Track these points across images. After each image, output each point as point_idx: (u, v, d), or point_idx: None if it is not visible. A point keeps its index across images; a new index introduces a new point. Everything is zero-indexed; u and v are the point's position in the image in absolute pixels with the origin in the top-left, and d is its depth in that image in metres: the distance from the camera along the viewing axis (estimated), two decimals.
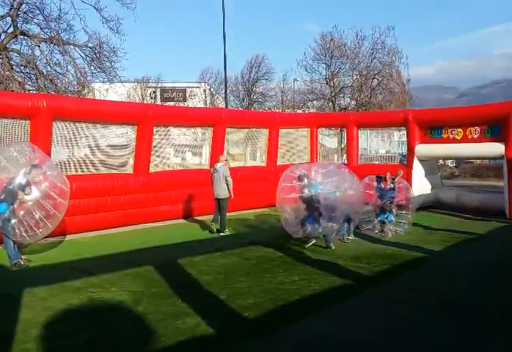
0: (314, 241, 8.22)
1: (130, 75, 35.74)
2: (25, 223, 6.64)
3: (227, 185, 9.48)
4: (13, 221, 6.56)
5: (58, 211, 6.98)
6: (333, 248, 8.00)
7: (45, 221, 6.76)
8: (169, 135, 11.64)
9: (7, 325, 4.46)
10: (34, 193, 6.70)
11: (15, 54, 16.47)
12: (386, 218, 9.37)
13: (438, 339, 4.17)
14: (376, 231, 9.38)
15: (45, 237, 8.87)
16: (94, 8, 16.66)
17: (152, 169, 11.05)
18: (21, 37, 16.34)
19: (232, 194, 9.60)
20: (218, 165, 9.60)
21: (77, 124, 9.76)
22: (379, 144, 15.76)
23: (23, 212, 6.65)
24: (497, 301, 5.22)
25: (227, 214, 9.92)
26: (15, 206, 6.57)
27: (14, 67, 16.32)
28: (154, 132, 11.03)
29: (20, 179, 6.58)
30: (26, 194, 6.60)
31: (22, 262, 6.81)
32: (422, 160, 13.18)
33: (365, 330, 4.37)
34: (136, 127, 10.68)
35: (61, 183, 7.12)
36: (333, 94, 28.13)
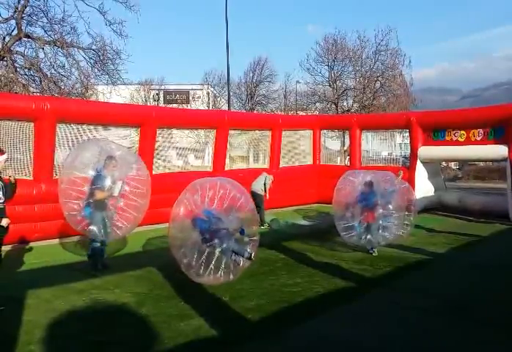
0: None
1: (134, 78, 35.81)
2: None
3: (265, 185, 10.92)
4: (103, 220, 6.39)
5: (139, 206, 6.61)
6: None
7: (130, 213, 6.48)
8: (172, 137, 11.67)
9: (11, 326, 4.47)
10: (113, 186, 6.27)
11: (19, 57, 16.54)
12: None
13: (441, 341, 4.16)
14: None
15: (49, 239, 8.94)
16: (98, 11, 16.73)
17: (155, 171, 11.07)
18: (25, 39, 16.41)
19: (268, 195, 10.94)
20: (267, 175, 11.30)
21: (81, 126, 9.79)
22: (382, 146, 15.73)
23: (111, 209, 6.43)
24: (501, 303, 5.20)
25: None
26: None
27: (18, 69, 16.38)
28: (157, 134, 11.06)
29: (98, 176, 6.20)
30: (105, 191, 6.21)
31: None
32: (425, 163, 13.16)
33: (369, 332, 4.36)
34: (139, 129, 10.72)
35: (140, 176, 6.66)
36: (336, 96, 28.15)
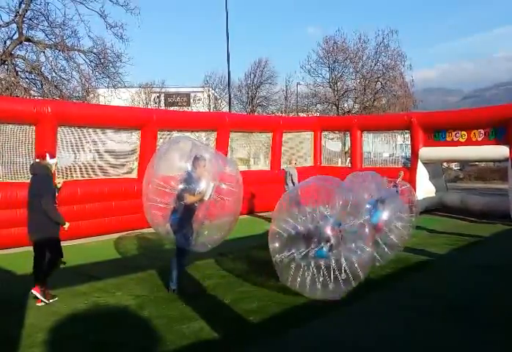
0: None
1: (135, 81, 35.93)
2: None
3: (293, 183, 10.95)
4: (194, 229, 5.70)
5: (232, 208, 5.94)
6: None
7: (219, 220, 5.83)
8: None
9: (13, 329, 4.49)
10: (206, 188, 5.51)
11: (21, 60, 16.61)
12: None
13: (442, 342, 4.16)
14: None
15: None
16: (99, 14, 16.81)
17: None
18: (26, 43, 16.50)
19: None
20: (288, 167, 11.49)
21: (82, 129, 9.82)
22: (383, 147, 15.73)
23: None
24: (502, 304, 5.20)
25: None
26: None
27: (19, 73, 16.46)
28: (158, 137, 11.08)
29: (187, 178, 5.53)
30: (196, 194, 5.49)
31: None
32: (426, 164, 13.15)
33: (369, 333, 4.37)
34: (140, 131, 10.74)
35: (232, 175, 5.94)
36: (336, 97, 28.17)
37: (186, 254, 5.86)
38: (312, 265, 5.00)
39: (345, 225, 5.10)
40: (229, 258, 7.63)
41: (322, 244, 4.99)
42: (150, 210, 5.81)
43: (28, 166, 8.87)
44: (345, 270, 4.90)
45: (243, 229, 10.61)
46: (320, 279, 4.93)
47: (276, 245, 5.29)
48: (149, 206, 5.76)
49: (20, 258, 7.82)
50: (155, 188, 5.61)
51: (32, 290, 5.32)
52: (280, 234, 5.28)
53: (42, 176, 5.48)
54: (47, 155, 5.68)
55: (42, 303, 5.27)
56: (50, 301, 5.34)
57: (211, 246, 5.93)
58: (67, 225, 5.50)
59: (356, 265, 4.94)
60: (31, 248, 8.20)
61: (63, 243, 8.45)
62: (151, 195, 5.68)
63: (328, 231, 5.05)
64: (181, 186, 5.45)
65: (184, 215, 5.55)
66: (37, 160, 5.77)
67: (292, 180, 11.07)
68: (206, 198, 5.51)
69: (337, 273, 4.90)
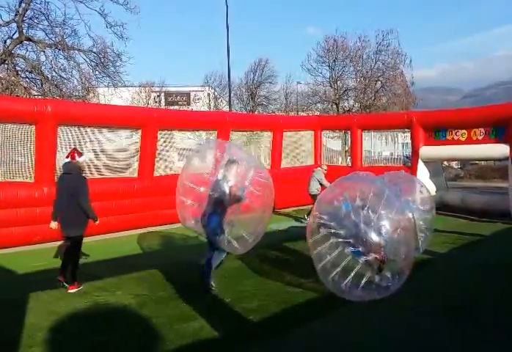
0: None
1: (135, 80, 35.88)
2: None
3: (320, 185, 11.34)
4: (227, 230, 5.76)
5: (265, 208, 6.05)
6: None
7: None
8: (173, 139, 11.68)
9: (13, 329, 4.49)
10: (239, 190, 5.72)
11: (21, 60, 16.61)
12: None
13: (442, 342, 4.16)
14: None
15: (50, 242, 8.95)
16: (99, 13, 16.80)
17: (156, 173, 11.09)
18: (26, 42, 16.49)
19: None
20: (316, 169, 11.71)
21: (82, 128, 9.81)
22: (383, 146, 15.71)
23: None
24: (502, 303, 5.19)
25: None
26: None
27: (19, 72, 16.46)
28: (158, 136, 11.07)
29: (224, 182, 5.67)
30: (231, 197, 5.68)
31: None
32: (426, 162, 13.13)
33: (369, 333, 4.36)
34: (140, 131, 10.73)
35: (263, 178, 6.01)
36: (337, 96, 28.15)
37: (222, 255, 5.95)
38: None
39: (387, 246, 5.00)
40: (229, 257, 7.61)
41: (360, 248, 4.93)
42: (181, 208, 6.09)
43: (30, 165, 8.98)
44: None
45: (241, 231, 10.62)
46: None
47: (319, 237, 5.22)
48: (181, 203, 6.03)
49: (20, 257, 7.84)
50: (187, 187, 5.93)
51: (69, 290, 5.75)
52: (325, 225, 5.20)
53: (76, 175, 5.88)
54: (75, 154, 6.00)
55: (75, 290, 5.76)
56: (75, 290, 5.77)
57: (251, 244, 5.98)
58: (97, 221, 5.98)
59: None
60: (31, 248, 8.24)
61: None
62: (182, 194, 6.00)
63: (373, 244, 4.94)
64: (217, 190, 5.62)
65: (221, 216, 5.69)
66: (67, 160, 6.05)
67: (320, 184, 11.43)
68: (239, 200, 5.71)
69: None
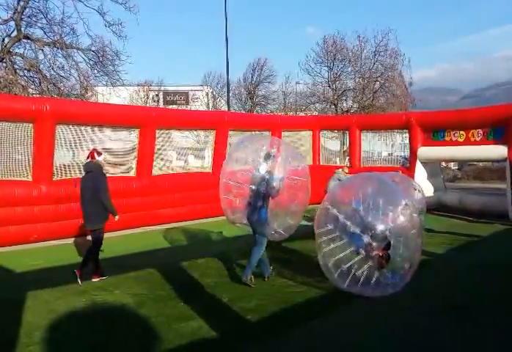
0: None
1: (133, 79, 35.81)
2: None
3: None
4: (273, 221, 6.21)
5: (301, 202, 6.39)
6: None
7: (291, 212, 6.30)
8: (172, 138, 11.67)
9: (11, 328, 4.47)
10: (278, 182, 6.02)
11: (19, 58, 16.55)
12: None
13: (441, 342, 4.16)
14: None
15: (48, 241, 8.93)
16: (98, 12, 16.75)
17: (154, 172, 11.08)
18: (25, 40, 16.42)
19: None
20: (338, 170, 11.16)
21: (80, 127, 9.79)
22: (382, 147, 15.74)
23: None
24: (501, 304, 5.20)
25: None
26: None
27: (17, 70, 16.38)
28: (157, 135, 11.06)
29: (265, 176, 5.96)
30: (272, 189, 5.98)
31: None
32: (424, 163, 13.16)
33: (369, 333, 4.36)
34: (138, 130, 10.72)
35: (300, 174, 6.37)
36: (335, 97, 28.14)
37: (261, 250, 6.11)
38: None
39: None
40: (228, 257, 7.62)
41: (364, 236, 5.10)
42: (224, 203, 6.44)
43: (28, 164, 8.96)
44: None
45: (244, 228, 10.62)
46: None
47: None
48: (223, 198, 6.40)
49: (18, 256, 7.82)
50: (227, 184, 6.28)
51: (93, 279, 6.18)
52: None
53: (97, 173, 6.28)
54: (95, 154, 6.41)
55: (97, 279, 6.19)
56: (100, 279, 6.22)
57: (287, 234, 6.44)
58: (117, 217, 6.32)
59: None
60: (29, 247, 8.23)
61: (61, 242, 8.50)
62: (224, 190, 6.34)
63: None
64: (259, 184, 5.94)
65: (267, 208, 6.02)
66: (89, 159, 6.47)
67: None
68: (278, 191, 6.01)
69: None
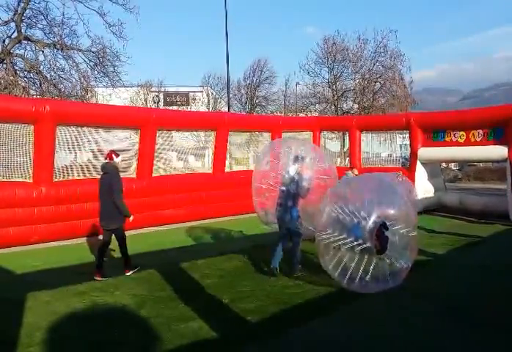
0: None
1: (134, 80, 35.85)
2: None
3: None
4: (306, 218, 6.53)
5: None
6: None
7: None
8: (172, 139, 11.68)
9: (11, 329, 4.47)
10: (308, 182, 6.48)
11: (19, 59, 16.58)
12: None
13: (441, 342, 4.16)
14: None
15: (48, 242, 8.94)
16: (98, 13, 16.78)
17: (155, 173, 11.09)
18: (25, 42, 16.46)
19: None
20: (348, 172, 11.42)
21: (80, 128, 9.80)
22: (382, 148, 15.73)
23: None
24: (501, 304, 5.19)
25: (232, 218, 10.03)
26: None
27: (18, 72, 16.42)
28: (157, 136, 11.07)
29: (295, 177, 6.42)
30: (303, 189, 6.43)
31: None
32: (424, 164, 13.15)
33: (368, 333, 4.36)
34: (139, 131, 10.73)
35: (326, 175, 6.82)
36: (335, 97, 28.15)
37: (299, 241, 6.52)
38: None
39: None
40: (228, 257, 7.62)
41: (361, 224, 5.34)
42: (257, 204, 7.07)
43: (28, 165, 8.96)
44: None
45: (242, 229, 10.63)
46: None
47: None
48: (255, 200, 7.03)
49: (18, 257, 7.82)
50: (258, 185, 6.88)
51: (126, 273, 6.57)
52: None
53: (113, 174, 6.48)
54: (113, 155, 6.66)
55: (131, 272, 6.58)
56: (131, 272, 6.58)
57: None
58: (131, 217, 6.54)
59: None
60: (29, 248, 8.24)
61: (61, 243, 8.51)
62: (256, 192, 6.95)
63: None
64: (290, 185, 6.38)
65: (296, 208, 6.40)
66: (106, 160, 6.74)
67: None
68: (307, 191, 6.40)
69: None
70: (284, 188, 6.41)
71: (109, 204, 6.38)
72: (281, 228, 6.65)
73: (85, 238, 9.35)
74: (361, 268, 5.21)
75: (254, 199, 6.98)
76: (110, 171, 6.50)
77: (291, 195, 6.35)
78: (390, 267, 5.34)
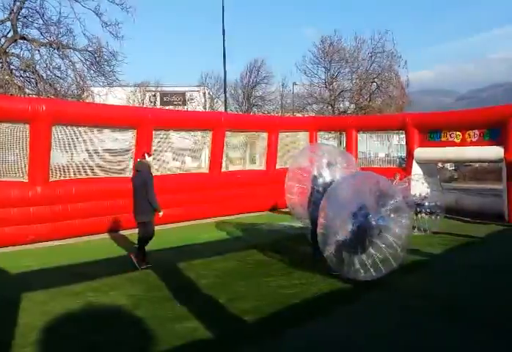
0: None
1: (130, 79, 35.78)
2: None
3: None
4: None
5: None
6: None
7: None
8: (169, 139, 11.65)
9: (6, 329, 4.45)
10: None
11: (15, 58, 16.51)
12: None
13: (440, 342, 4.16)
14: None
15: (44, 242, 8.90)
16: (94, 12, 16.73)
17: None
18: (21, 41, 16.39)
19: None
20: None
21: (76, 128, 9.76)
22: (378, 148, 15.77)
23: None
24: (498, 304, 5.21)
25: (227, 218, 10.03)
26: None
27: (14, 71, 16.35)
28: (153, 136, 11.04)
29: (325, 179, 7.19)
30: None
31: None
32: (421, 164, 13.19)
33: (367, 333, 4.36)
34: (135, 131, 10.69)
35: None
36: (332, 97, 28.21)
37: None
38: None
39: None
40: (224, 258, 7.61)
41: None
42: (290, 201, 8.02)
43: (24, 165, 8.93)
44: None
45: (240, 229, 10.62)
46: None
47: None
48: (288, 198, 7.98)
49: (14, 257, 7.79)
50: (290, 184, 7.84)
51: (131, 256, 6.95)
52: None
53: (145, 172, 6.91)
54: (146, 155, 7.24)
55: (144, 266, 6.82)
56: (143, 267, 6.77)
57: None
58: (161, 213, 6.98)
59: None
60: (25, 248, 8.20)
61: (56, 243, 8.48)
62: (289, 190, 7.90)
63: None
64: (321, 185, 7.11)
65: None
66: (139, 159, 7.34)
67: None
68: None
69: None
70: (317, 188, 7.11)
71: (143, 200, 6.79)
72: (312, 224, 7.06)
73: (81, 238, 9.32)
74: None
75: (288, 196, 7.84)
76: (143, 170, 6.92)
77: (323, 194, 6.85)
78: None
